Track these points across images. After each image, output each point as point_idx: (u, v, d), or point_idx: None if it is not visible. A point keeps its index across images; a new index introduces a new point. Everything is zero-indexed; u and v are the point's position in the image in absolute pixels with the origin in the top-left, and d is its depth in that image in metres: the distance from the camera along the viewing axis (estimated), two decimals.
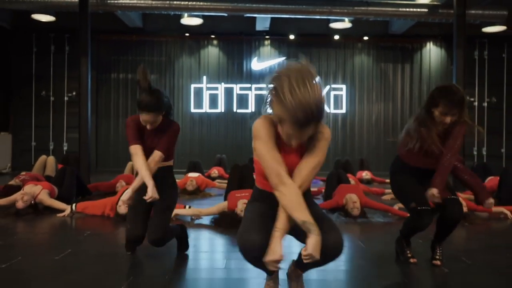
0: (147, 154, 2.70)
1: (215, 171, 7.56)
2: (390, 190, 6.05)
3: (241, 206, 3.81)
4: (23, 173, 6.04)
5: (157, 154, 2.68)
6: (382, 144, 9.71)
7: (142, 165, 2.59)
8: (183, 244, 3.00)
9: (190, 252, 3.04)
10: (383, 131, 9.79)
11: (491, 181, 6.00)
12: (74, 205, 4.42)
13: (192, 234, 3.47)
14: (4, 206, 4.54)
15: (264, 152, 1.72)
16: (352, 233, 3.79)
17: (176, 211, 4.15)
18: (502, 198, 5.21)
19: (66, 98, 9.64)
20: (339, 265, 2.72)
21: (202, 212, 4.14)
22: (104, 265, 2.69)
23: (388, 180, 7.44)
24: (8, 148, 9.65)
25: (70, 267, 2.65)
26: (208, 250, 3.19)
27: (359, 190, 4.62)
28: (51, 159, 6.68)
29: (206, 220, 4.09)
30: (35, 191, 4.54)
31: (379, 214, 4.49)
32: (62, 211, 4.44)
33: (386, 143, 9.67)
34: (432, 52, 9.80)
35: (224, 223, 3.81)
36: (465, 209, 4.17)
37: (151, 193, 2.50)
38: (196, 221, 4.12)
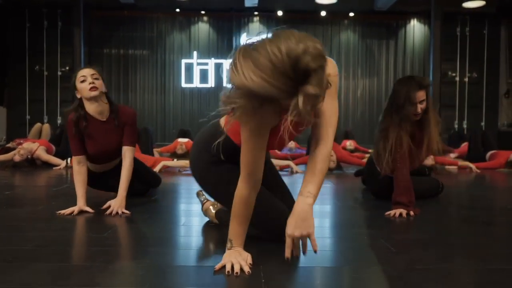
0: (103, 155, 2.53)
1: None
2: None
3: None
4: (19, 139, 6.33)
5: (129, 151, 2.48)
6: (367, 117, 10.05)
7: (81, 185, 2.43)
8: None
9: (185, 197, 3.37)
10: (368, 105, 10.13)
11: (464, 147, 6.38)
12: (69, 159, 4.73)
13: (183, 183, 3.80)
14: (3, 161, 4.84)
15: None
16: (328, 178, 4.14)
17: (165, 162, 4.48)
18: (470, 156, 5.60)
19: (59, 73, 9.84)
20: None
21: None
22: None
23: (370, 150, 7.79)
24: (3, 121, 9.88)
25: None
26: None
27: (337, 145, 4.96)
28: (46, 126, 6.97)
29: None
30: (32, 147, 4.84)
31: (354, 168, 4.84)
32: (58, 165, 4.75)
33: (370, 116, 10.01)
34: (415, 29, 10.11)
35: None
36: (431, 161, 4.54)
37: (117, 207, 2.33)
38: (184, 172, 4.45)
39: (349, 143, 7.94)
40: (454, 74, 9.81)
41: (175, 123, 9.88)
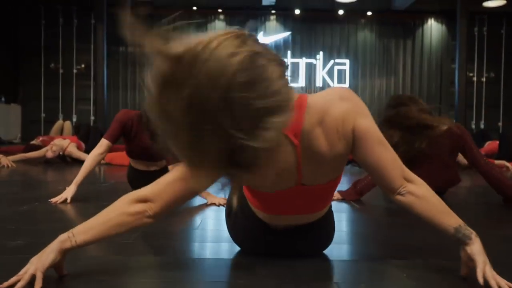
0: (141, 155, 2.71)
1: None
2: None
3: None
4: (42, 136, 6.28)
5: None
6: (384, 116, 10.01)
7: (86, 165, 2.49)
8: None
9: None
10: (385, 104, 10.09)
11: (490, 144, 6.35)
12: None
13: None
14: (35, 158, 4.79)
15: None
16: (344, 173, 4.09)
17: None
18: (502, 155, 5.56)
19: (75, 70, 9.80)
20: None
21: None
22: None
23: None
24: (18, 119, 9.81)
25: (90, 213, 2.81)
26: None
27: None
28: (67, 124, 6.91)
29: None
30: (63, 144, 4.79)
31: None
32: None
33: None
34: (433, 28, 10.07)
35: None
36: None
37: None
38: None
39: None
40: (471, 74, 9.79)
41: None
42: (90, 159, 2.48)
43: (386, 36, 10.08)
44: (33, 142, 6.01)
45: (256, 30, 9.44)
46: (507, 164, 4.92)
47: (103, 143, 2.52)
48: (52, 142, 4.71)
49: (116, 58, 9.95)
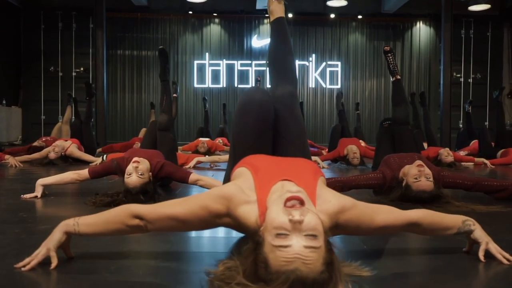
0: None
1: (219, 140, 8.07)
2: None
3: None
4: (45, 137, 6.54)
5: None
6: (375, 117, 10.33)
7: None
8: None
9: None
10: (376, 105, 10.40)
11: (475, 143, 6.65)
12: (105, 155, 4.94)
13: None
14: (38, 159, 5.03)
15: None
16: (352, 173, 4.38)
17: (199, 158, 4.71)
18: (482, 153, 5.87)
19: (74, 74, 10.05)
20: None
21: (221, 159, 4.69)
22: None
23: None
24: (19, 121, 10.06)
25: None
26: None
27: (358, 142, 5.22)
28: (66, 127, 7.16)
29: (223, 166, 4.65)
30: (65, 144, 5.04)
31: None
32: (91, 162, 4.96)
33: (378, 116, 10.29)
34: (421, 31, 10.40)
35: None
36: (451, 158, 4.80)
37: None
38: (215, 167, 4.67)
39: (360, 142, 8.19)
40: (459, 75, 10.11)
41: (188, 122, 10.12)
42: (66, 176, 2.65)
43: (376, 38, 10.39)
44: (35, 144, 6.27)
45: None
46: (485, 161, 5.22)
47: (84, 174, 2.66)
48: (54, 144, 4.95)
49: (114, 62, 10.23)
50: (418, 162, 2.45)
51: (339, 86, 10.31)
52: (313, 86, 10.31)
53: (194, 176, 2.63)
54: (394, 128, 3.13)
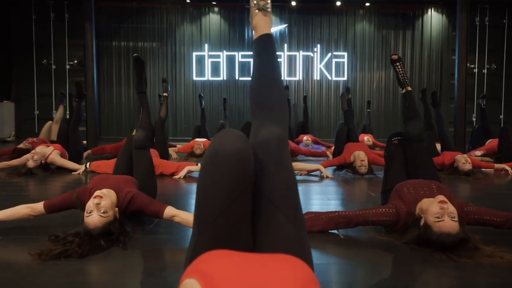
0: None
1: None
2: None
3: None
4: (31, 138, 6.15)
5: None
6: (383, 110, 9.83)
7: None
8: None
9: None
10: (384, 98, 9.88)
11: (491, 142, 6.16)
12: (88, 164, 4.54)
13: None
14: (17, 166, 4.64)
15: None
16: (360, 186, 3.95)
17: (190, 167, 4.29)
18: (502, 156, 5.39)
19: (67, 66, 9.62)
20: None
21: None
22: None
23: None
24: (11, 116, 9.68)
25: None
26: None
27: (367, 148, 4.76)
28: (55, 126, 6.76)
29: None
30: (46, 151, 4.63)
31: None
32: (74, 170, 4.56)
33: (386, 109, 9.80)
34: (433, 19, 9.80)
35: None
36: (469, 166, 4.35)
37: None
38: None
39: (367, 138, 7.72)
40: (472, 66, 9.54)
41: (187, 117, 9.69)
42: (19, 210, 2.26)
43: (385, 27, 9.82)
44: (21, 146, 5.89)
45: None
46: (507, 167, 4.75)
47: (39, 209, 2.27)
48: (33, 151, 4.55)
49: (109, 53, 9.78)
50: (440, 197, 2.00)
51: (345, 78, 9.79)
52: (318, 79, 9.80)
53: (169, 210, 2.20)
54: (406, 146, 2.68)
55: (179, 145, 6.58)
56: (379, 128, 9.60)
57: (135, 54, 3.11)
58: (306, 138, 7.94)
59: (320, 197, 3.44)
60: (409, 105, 2.80)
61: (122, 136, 8.65)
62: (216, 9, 9.77)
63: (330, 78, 9.79)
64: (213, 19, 9.78)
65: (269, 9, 1.46)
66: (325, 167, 4.45)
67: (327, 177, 4.30)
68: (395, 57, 2.95)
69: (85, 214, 2.02)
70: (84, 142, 6.64)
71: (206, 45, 9.73)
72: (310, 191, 3.71)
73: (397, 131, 3.01)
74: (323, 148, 7.21)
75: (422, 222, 2.01)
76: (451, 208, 1.95)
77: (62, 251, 1.85)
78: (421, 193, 2.18)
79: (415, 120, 2.70)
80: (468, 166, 4.30)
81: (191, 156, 5.99)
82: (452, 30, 9.36)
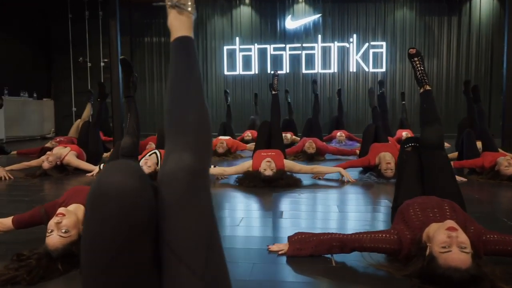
0: None
1: (248, 134, 7.43)
2: None
3: (264, 165, 3.68)
4: (59, 137, 6.23)
5: None
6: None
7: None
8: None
9: None
10: None
11: None
12: (102, 165, 4.46)
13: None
14: (36, 166, 4.65)
15: None
16: (386, 194, 3.56)
17: None
18: None
19: (102, 64, 9.76)
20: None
21: (227, 171, 4.05)
22: None
23: None
24: (51, 114, 9.99)
25: None
26: (229, 208, 3.10)
27: (394, 148, 4.33)
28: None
29: (231, 180, 4.00)
30: (62, 152, 4.59)
31: None
32: (90, 171, 4.50)
33: None
34: (482, 2, 8.98)
35: (246, 182, 3.70)
36: None
37: None
38: (222, 181, 4.04)
39: (405, 134, 7.21)
40: None
41: (219, 114, 9.53)
42: None
43: (428, 13, 9.12)
44: (48, 145, 5.96)
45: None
46: None
47: (8, 224, 2.12)
48: (48, 152, 4.54)
49: (142, 49, 9.81)
50: (449, 223, 1.64)
51: (383, 69, 9.22)
52: (354, 70, 9.30)
53: None
54: (423, 154, 2.31)
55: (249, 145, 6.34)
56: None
57: (121, 57, 2.93)
58: (339, 134, 7.55)
59: (323, 207, 3.12)
60: (427, 106, 2.41)
61: (155, 131, 8.65)
62: (247, 0, 9.50)
63: (367, 70, 9.26)
64: (244, 11, 9.52)
65: (186, 7, 1.15)
66: (345, 168, 4.09)
67: (348, 181, 3.94)
68: (413, 51, 2.56)
69: (46, 233, 1.85)
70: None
71: (237, 38, 9.50)
72: (319, 199, 3.39)
73: (414, 136, 2.61)
74: (358, 145, 6.79)
75: (427, 252, 1.67)
76: (461, 237, 1.59)
77: (10, 278, 1.68)
78: (430, 216, 1.82)
79: (434, 125, 2.31)
80: (511, 170, 3.78)
81: (213, 155, 5.81)
82: (505, 14, 8.52)
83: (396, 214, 2.00)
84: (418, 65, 2.52)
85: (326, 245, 1.94)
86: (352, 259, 1.95)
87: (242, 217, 2.73)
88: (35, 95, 9.40)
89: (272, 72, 5.82)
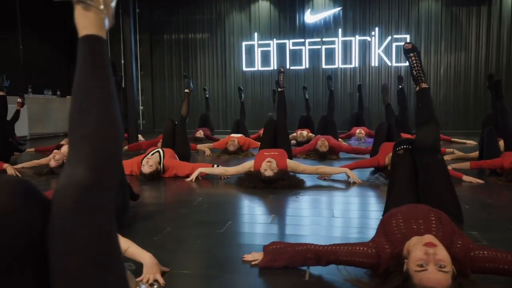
0: None
1: None
2: (451, 150, 5.41)
3: (264, 166, 3.55)
4: None
5: None
6: (451, 99, 8.76)
7: None
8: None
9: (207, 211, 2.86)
10: (453, 85, 8.79)
11: None
12: None
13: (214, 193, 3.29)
14: (44, 165, 4.69)
15: None
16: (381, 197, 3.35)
17: (203, 169, 4.01)
18: None
19: (122, 61, 9.83)
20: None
21: (228, 171, 3.95)
22: None
23: (456, 139, 6.68)
24: None
25: None
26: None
27: None
28: None
29: (233, 180, 3.89)
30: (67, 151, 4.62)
31: None
32: None
33: (455, 99, 8.72)
34: None
35: (247, 182, 3.58)
36: None
37: None
38: (224, 181, 3.94)
39: None
40: None
41: (237, 111, 9.43)
42: None
43: (455, 3, 8.69)
44: (63, 142, 6.05)
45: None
46: None
47: None
48: (55, 151, 4.57)
49: (161, 46, 9.83)
50: (427, 238, 1.47)
51: (407, 63, 8.84)
52: (376, 65, 8.99)
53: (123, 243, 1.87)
54: (416, 157, 2.12)
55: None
56: (448, 119, 8.60)
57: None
58: (358, 131, 7.32)
59: (319, 211, 2.96)
60: (423, 105, 2.21)
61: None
62: None
63: (389, 64, 8.93)
64: (263, 6, 9.37)
65: (93, 2, 0.98)
66: (352, 169, 3.90)
67: (354, 182, 3.75)
68: (408, 46, 2.37)
69: None
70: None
71: (256, 34, 9.37)
72: (318, 201, 3.22)
73: (407, 138, 2.40)
74: None
75: (404, 269, 1.50)
76: (440, 254, 1.41)
77: None
78: (414, 227, 1.65)
79: (429, 125, 2.12)
80: None
81: (224, 153, 5.72)
82: None
83: (379, 224, 1.84)
84: (414, 61, 2.33)
85: (301, 257, 1.80)
86: (329, 272, 1.81)
87: (229, 222, 2.62)
88: (58, 92, 9.60)
89: (278, 68, 5.66)
